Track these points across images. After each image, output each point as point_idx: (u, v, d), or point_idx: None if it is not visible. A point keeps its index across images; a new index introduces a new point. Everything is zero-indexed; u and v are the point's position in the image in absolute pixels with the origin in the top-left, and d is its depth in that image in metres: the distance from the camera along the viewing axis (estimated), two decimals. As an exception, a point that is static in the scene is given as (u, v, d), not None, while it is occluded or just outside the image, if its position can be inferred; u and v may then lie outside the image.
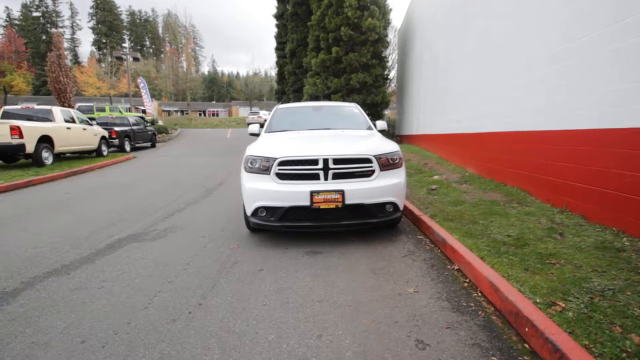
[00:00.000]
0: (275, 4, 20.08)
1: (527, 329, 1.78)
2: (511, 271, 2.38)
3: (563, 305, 1.95)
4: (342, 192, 3.07)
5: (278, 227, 3.22)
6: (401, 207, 3.38)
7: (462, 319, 2.01)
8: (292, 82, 17.12)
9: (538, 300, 1.99)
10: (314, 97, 14.70)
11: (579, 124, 3.63)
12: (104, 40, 61.14)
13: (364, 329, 1.94)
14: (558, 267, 2.48)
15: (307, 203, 3.07)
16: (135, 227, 4.04)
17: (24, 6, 59.01)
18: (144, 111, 26.31)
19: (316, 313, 2.11)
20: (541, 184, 4.27)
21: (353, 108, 4.93)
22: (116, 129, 13.24)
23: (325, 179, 3.14)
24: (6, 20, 54.02)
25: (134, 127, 14.80)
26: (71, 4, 63.38)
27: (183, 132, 23.27)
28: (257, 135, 4.53)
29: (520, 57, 4.81)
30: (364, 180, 3.20)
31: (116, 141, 12.95)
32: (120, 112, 19.59)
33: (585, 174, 3.56)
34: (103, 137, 11.65)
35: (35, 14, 59.93)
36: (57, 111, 9.72)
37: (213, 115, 52.92)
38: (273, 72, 60.71)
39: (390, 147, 3.44)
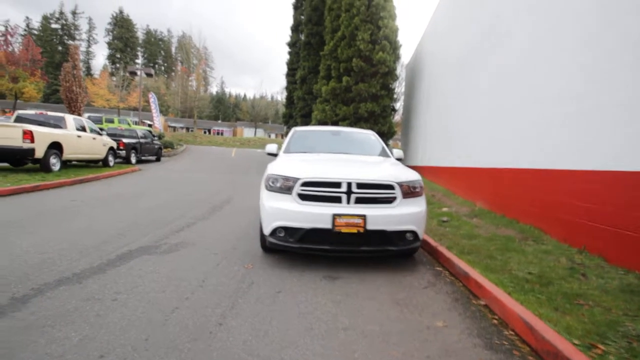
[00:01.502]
0: (290, 32, 20.96)
1: (569, 373, 1.70)
2: (541, 310, 2.31)
3: (603, 348, 1.87)
4: (364, 217, 3.03)
5: (296, 248, 3.16)
6: (421, 237, 3.34)
7: (497, 357, 1.92)
8: (300, 107, 17.49)
9: (576, 342, 1.92)
10: (322, 123, 14.95)
11: (593, 164, 3.68)
12: (118, 55, 62.95)
13: (394, 362, 1.84)
14: (588, 309, 2.41)
15: (328, 226, 3.03)
16: (145, 240, 3.95)
17: (45, 17, 61.17)
18: (150, 125, 26.61)
19: (343, 342, 2.01)
20: (557, 222, 4.25)
21: (370, 135, 5.00)
22: (124, 140, 13.33)
23: (348, 202, 3.12)
24: (25, 30, 55.72)
25: (141, 140, 14.90)
26: (90, 19, 65.80)
27: (189, 148, 23.43)
28: (275, 155, 4.55)
29: (534, 95, 4.95)
30: (385, 207, 3.18)
31: (123, 152, 12.99)
32: (128, 124, 19.81)
33: (600, 214, 3.56)
34: (111, 148, 11.69)
35: (54, 25, 62.01)
36: (70, 119, 9.81)
37: (218, 134, 53.59)
38: (279, 96, 62.29)
39: (412, 175, 3.45)
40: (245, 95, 79.73)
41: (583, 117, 3.96)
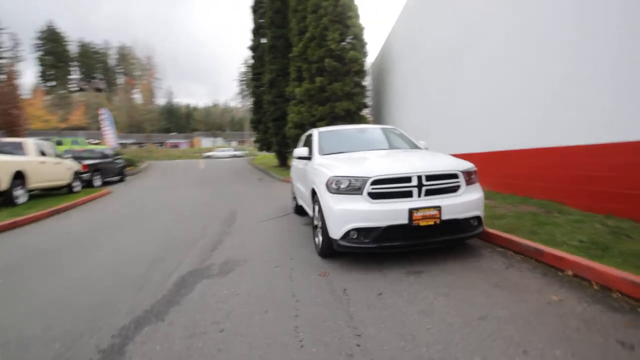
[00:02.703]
0: (251, 36, 20.45)
1: None
2: (627, 268, 2.49)
3: None
4: (439, 208, 3.05)
5: (374, 248, 3.09)
6: (483, 221, 3.44)
7: (631, 317, 2.04)
8: (272, 111, 17.17)
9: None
10: (299, 125, 14.84)
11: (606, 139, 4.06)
12: (51, 72, 57.07)
13: (555, 341, 1.87)
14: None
15: (405, 221, 3.00)
16: (187, 263, 3.62)
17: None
18: (97, 143, 24.55)
19: (493, 330, 2.00)
20: (578, 194, 4.61)
21: (394, 129, 5.05)
22: (86, 162, 12.12)
23: (419, 195, 3.12)
24: None
25: (103, 160, 13.69)
26: (14, 35, 58.94)
27: (151, 165, 21.98)
28: (307, 158, 4.43)
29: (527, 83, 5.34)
30: (453, 196, 3.23)
31: (86, 175, 11.79)
32: (82, 145, 18.08)
33: (625, 180, 3.94)
34: (76, 172, 10.58)
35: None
36: (30, 143, 8.71)
37: (174, 147, 50.85)
38: (233, 103, 60.67)
39: (468, 163, 3.53)
40: (197, 105, 76.65)
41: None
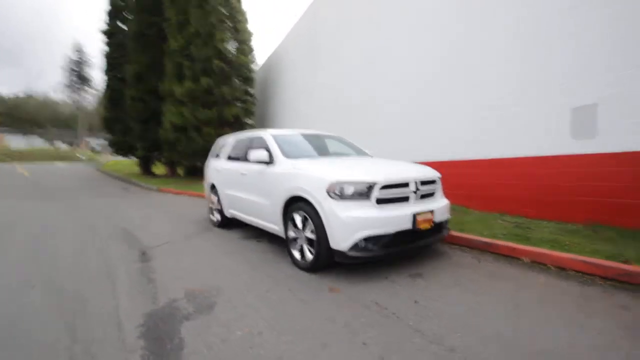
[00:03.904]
0: (106, 19, 16.54)
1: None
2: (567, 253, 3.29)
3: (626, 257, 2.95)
4: (432, 212, 3.22)
5: (383, 255, 2.96)
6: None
7: (595, 291, 2.66)
8: (139, 110, 14.35)
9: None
10: (180, 128, 13.08)
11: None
12: None
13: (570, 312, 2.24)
14: (569, 245, 3.60)
15: (409, 226, 3.03)
16: (127, 307, 2.55)
17: None
18: None
19: (557, 316, 2.23)
20: (477, 199, 5.76)
21: (342, 138, 5.06)
22: None
23: (415, 200, 3.22)
24: None
25: None
26: None
27: None
28: (267, 162, 3.91)
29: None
30: (433, 200, 3.47)
31: None
32: None
33: (517, 189, 5.20)
34: None
35: None
36: None
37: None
38: (59, 95, 48.07)
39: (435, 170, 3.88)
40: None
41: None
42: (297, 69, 12.83)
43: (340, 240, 2.88)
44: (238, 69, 13.42)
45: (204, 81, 12.65)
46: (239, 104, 13.87)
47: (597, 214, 4.20)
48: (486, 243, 3.79)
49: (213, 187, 5.60)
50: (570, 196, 4.51)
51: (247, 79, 13.96)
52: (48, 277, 3.19)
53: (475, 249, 3.90)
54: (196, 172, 18.42)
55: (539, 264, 3.29)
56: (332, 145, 4.70)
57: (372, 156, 4.70)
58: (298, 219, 3.30)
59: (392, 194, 3.07)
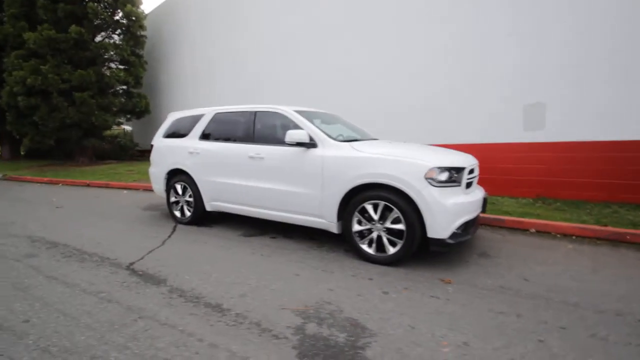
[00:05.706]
0: None
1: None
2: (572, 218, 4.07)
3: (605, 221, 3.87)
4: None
5: (467, 240, 2.94)
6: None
7: (604, 249, 3.41)
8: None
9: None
10: (39, 92, 9.46)
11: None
12: None
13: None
14: (568, 212, 4.46)
15: (481, 210, 3.12)
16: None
17: None
18: None
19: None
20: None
21: (340, 116, 4.60)
22: None
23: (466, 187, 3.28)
24: None
25: None
26: None
27: None
28: (304, 144, 3.26)
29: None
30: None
31: None
32: None
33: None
34: None
35: None
36: None
37: None
38: None
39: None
40: None
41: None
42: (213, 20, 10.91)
43: (442, 228, 2.70)
44: (124, 19, 10.53)
45: (75, 30, 9.38)
46: (135, 68, 10.92)
47: (542, 189, 5.34)
48: (498, 219, 4.28)
49: (174, 174, 4.35)
50: (519, 175, 5.57)
51: (137, 36, 11.14)
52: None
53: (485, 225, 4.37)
54: (51, 154, 13.91)
55: (544, 232, 3.96)
56: (353, 126, 4.27)
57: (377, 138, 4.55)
58: (370, 209, 2.91)
59: (469, 179, 3.07)
